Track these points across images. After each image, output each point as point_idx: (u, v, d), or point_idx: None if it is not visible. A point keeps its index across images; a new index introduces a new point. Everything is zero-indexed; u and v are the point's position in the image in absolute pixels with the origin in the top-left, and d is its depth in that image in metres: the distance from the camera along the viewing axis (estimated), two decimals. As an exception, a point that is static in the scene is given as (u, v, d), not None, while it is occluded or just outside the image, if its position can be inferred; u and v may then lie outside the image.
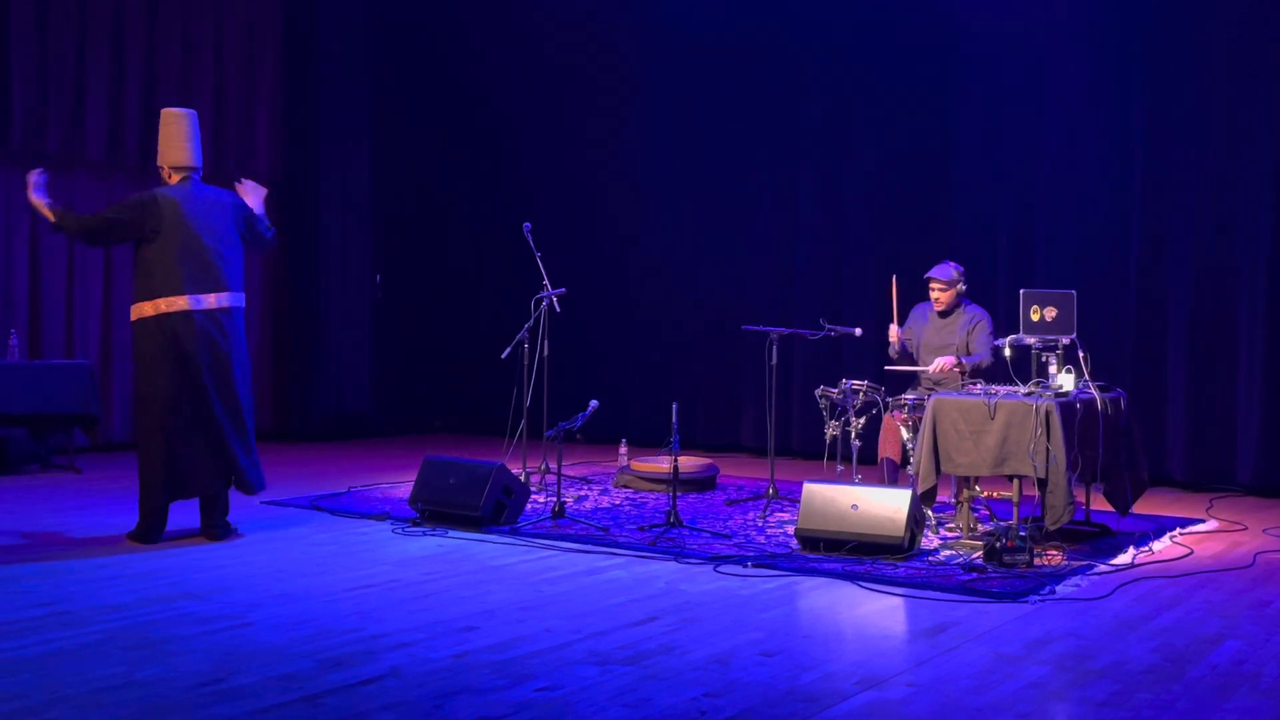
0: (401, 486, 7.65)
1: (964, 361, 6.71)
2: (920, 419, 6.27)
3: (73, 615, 4.53)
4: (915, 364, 6.98)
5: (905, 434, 6.63)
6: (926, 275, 6.93)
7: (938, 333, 6.95)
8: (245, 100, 10.26)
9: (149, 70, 9.61)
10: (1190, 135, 8.18)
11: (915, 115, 9.21)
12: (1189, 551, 6.03)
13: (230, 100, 10.13)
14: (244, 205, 6.25)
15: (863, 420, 6.79)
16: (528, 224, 7.91)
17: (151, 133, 9.63)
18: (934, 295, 6.92)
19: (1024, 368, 6.25)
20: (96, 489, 7.58)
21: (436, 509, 6.46)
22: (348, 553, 5.79)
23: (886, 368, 7.08)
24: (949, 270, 6.91)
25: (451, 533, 6.23)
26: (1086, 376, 6.13)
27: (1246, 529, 6.72)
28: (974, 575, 5.30)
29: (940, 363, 6.69)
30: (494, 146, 11.19)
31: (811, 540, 5.79)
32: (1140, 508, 6.81)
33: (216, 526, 6.03)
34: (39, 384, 8.19)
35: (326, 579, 5.21)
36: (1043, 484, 5.74)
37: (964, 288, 6.95)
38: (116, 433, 9.52)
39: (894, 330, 6.94)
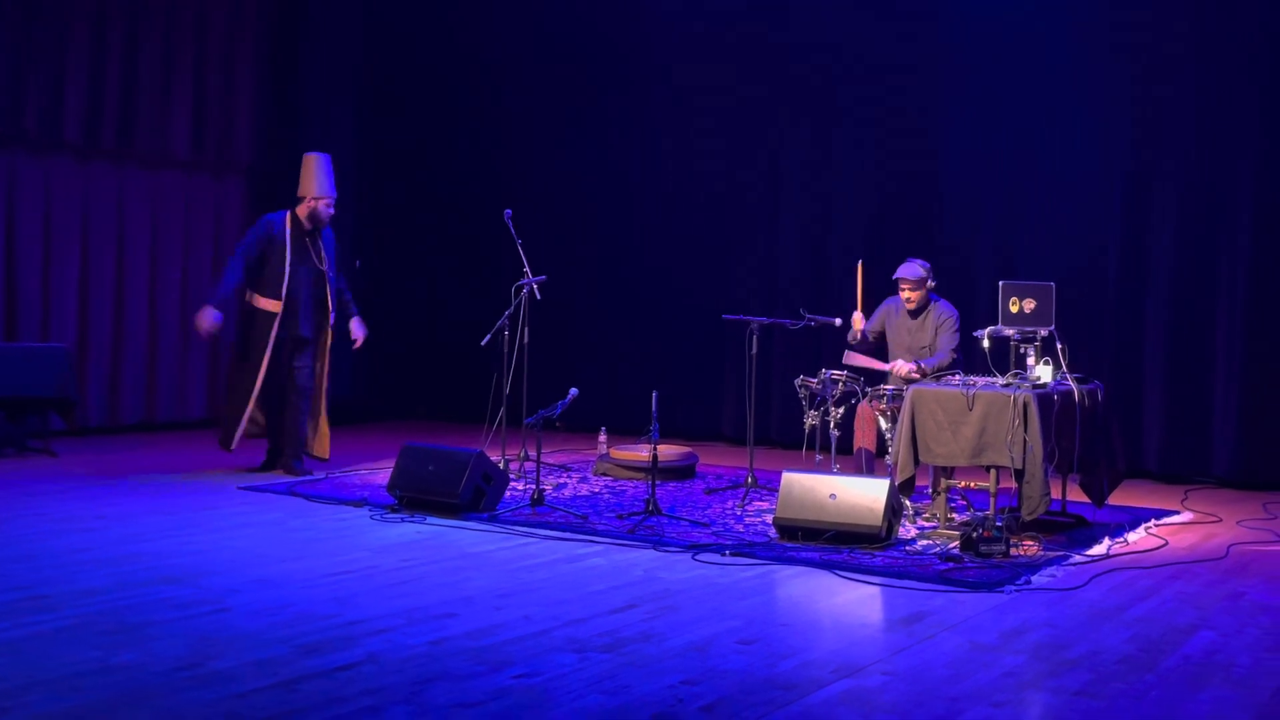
0: (380, 473, 7.63)
1: (923, 365, 6.73)
2: (898, 409, 6.30)
3: (49, 599, 4.50)
4: (880, 358, 6.99)
5: (884, 424, 6.66)
6: (895, 276, 6.93)
7: (910, 333, 6.96)
8: (226, 85, 10.17)
9: (129, 52, 9.51)
10: (1173, 131, 8.22)
11: (902, 107, 9.22)
12: (1164, 543, 6.07)
13: (211, 83, 10.04)
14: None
15: (841, 410, 6.81)
16: (508, 211, 7.89)
17: (131, 114, 9.61)
18: (904, 295, 6.92)
19: (1002, 359, 6.28)
20: (73, 473, 7.53)
21: (415, 496, 6.45)
22: (326, 538, 5.77)
23: (846, 360, 6.93)
24: (916, 268, 6.90)
25: (430, 519, 6.23)
26: (1064, 368, 6.17)
27: (1221, 521, 6.77)
28: (950, 565, 5.33)
29: (900, 366, 6.72)
30: (477, 134, 11.15)
31: (790, 529, 5.81)
32: (1116, 499, 6.86)
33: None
34: (14, 367, 8.14)
35: (304, 564, 5.20)
36: (1019, 475, 5.77)
37: (933, 284, 6.95)
38: (93, 417, 9.46)
39: (858, 317, 6.96)
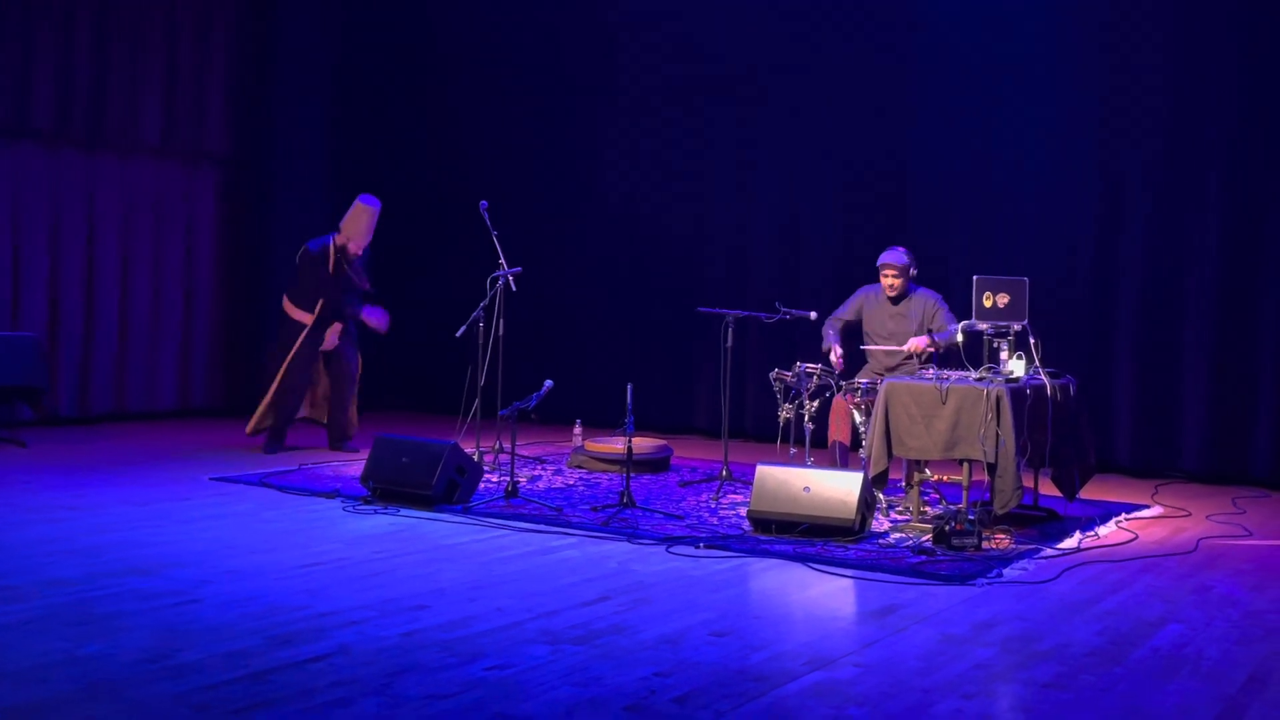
0: (353, 464, 7.60)
1: (937, 339, 6.75)
2: (872, 402, 6.32)
3: (16, 590, 4.46)
4: (852, 345, 7.03)
5: (858, 417, 6.68)
6: (880, 261, 6.96)
7: (893, 318, 7.00)
8: (199, 71, 10.07)
9: (99, 38, 9.40)
10: (1144, 128, 8.26)
11: (874, 101, 9.23)
12: (1134, 536, 6.12)
13: (183, 70, 9.95)
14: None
15: (816, 403, 6.82)
16: (484, 202, 7.87)
17: (101, 101, 9.51)
18: (888, 281, 6.96)
19: (976, 353, 6.30)
20: (42, 463, 7.46)
21: (388, 487, 6.43)
22: (298, 530, 5.74)
23: (863, 348, 7.08)
24: (901, 255, 6.96)
25: (403, 511, 6.21)
26: (1037, 363, 6.20)
27: (1190, 515, 6.82)
28: (923, 558, 5.35)
29: (914, 342, 6.73)
30: (452, 126, 11.10)
31: (763, 522, 5.82)
32: (1087, 493, 6.90)
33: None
34: (-17, 356, 8.05)
35: (276, 556, 5.17)
36: (992, 468, 5.80)
37: (914, 272, 7.01)
38: (63, 406, 9.38)
39: (834, 352, 7.00)
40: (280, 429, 8.24)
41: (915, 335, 6.89)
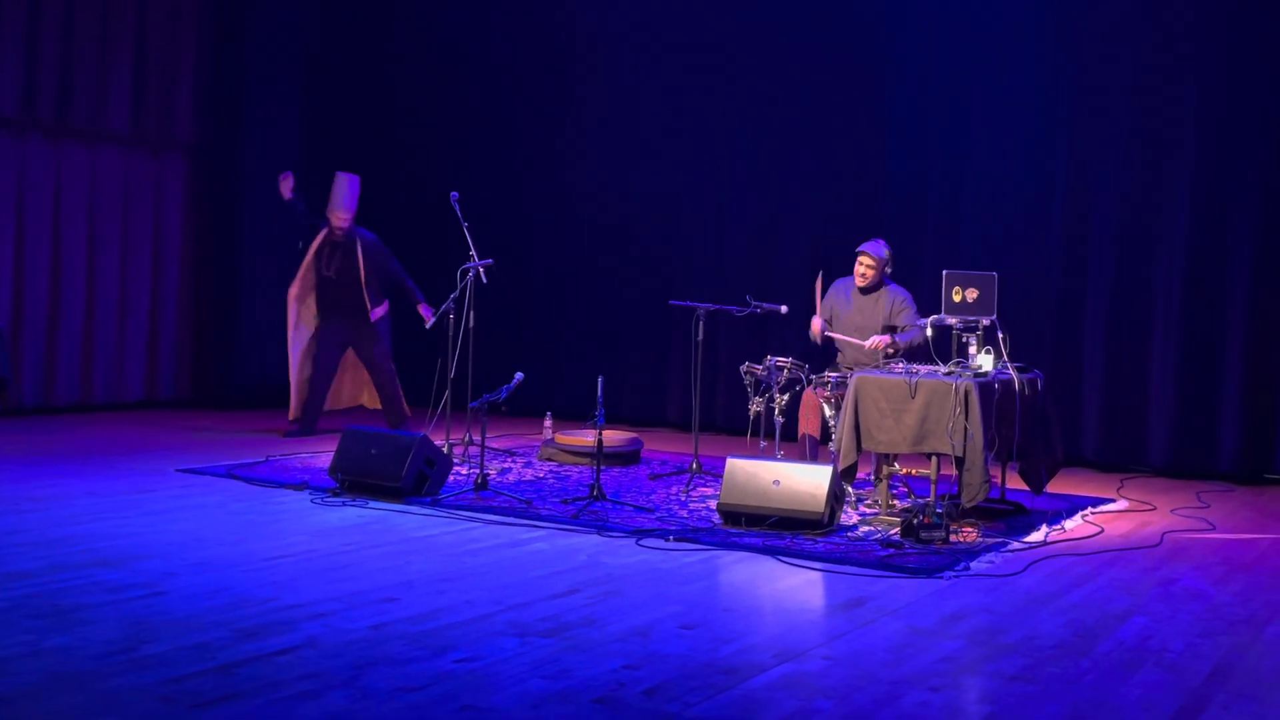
0: (321, 456, 7.56)
1: (898, 340, 6.76)
2: (842, 396, 6.34)
3: (-21, 582, 4.42)
4: (832, 352, 7.04)
5: (828, 411, 6.70)
6: (859, 248, 6.96)
7: (860, 311, 7.01)
8: (168, 59, 9.97)
9: (67, 24, 9.30)
10: (1114, 124, 8.32)
11: (848, 98, 9.25)
12: (1100, 530, 6.17)
13: (152, 57, 9.85)
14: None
15: (786, 397, 6.84)
16: (455, 193, 7.84)
17: (69, 88, 9.41)
18: (861, 269, 6.96)
19: (945, 348, 6.33)
20: (6, 454, 7.38)
21: (357, 479, 6.40)
22: (265, 522, 5.71)
23: (830, 334, 7.06)
24: (881, 249, 6.97)
25: (372, 503, 6.18)
26: (1005, 357, 6.23)
27: (1155, 509, 6.89)
28: (891, 551, 5.38)
29: (875, 340, 6.75)
30: (424, 114, 11.04)
31: (733, 515, 5.84)
32: (1054, 487, 6.96)
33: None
34: (-54, 346, 7.96)
35: (243, 548, 5.14)
36: (960, 462, 5.83)
37: (890, 269, 7.01)
38: (28, 396, 9.28)
39: (816, 321, 7.01)
40: (306, 417, 8.57)
41: (880, 330, 6.89)
